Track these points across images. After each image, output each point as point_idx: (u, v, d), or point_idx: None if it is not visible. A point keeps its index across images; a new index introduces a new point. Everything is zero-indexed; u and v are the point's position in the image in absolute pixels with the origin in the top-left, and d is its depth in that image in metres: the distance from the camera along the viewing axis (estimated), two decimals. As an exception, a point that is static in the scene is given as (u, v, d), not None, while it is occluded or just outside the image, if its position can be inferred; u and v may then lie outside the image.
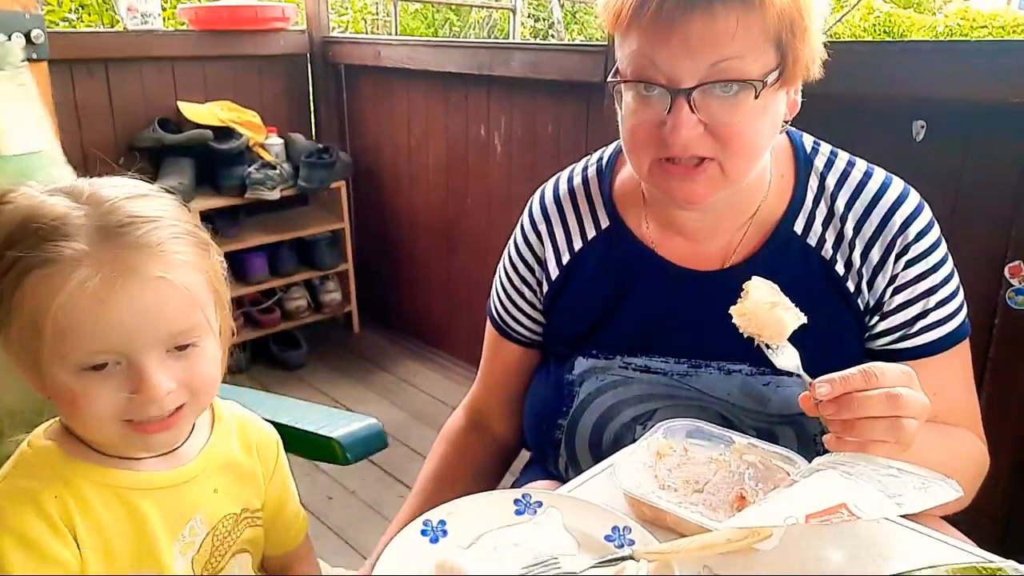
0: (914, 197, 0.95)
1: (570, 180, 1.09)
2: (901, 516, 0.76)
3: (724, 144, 0.84)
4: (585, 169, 1.09)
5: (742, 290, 0.80)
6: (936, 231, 0.95)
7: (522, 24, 6.63)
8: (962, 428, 0.97)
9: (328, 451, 1.11)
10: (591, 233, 1.05)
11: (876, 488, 0.70)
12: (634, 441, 1.00)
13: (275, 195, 2.95)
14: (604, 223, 1.04)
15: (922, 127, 1.65)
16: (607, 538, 0.75)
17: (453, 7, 7.36)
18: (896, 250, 0.93)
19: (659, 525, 0.77)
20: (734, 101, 0.82)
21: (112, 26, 4.67)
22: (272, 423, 0.95)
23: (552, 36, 7.25)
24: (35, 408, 0.87)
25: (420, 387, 3.02)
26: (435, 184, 3.07)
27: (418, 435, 2.62)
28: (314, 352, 3.22)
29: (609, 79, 0.89)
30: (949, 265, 0.95)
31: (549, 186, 1.11)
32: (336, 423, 1.14)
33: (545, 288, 1.08)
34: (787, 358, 0.78)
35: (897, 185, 0.96)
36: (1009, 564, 0.67)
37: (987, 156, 1.59)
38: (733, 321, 0.79)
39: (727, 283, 0.95)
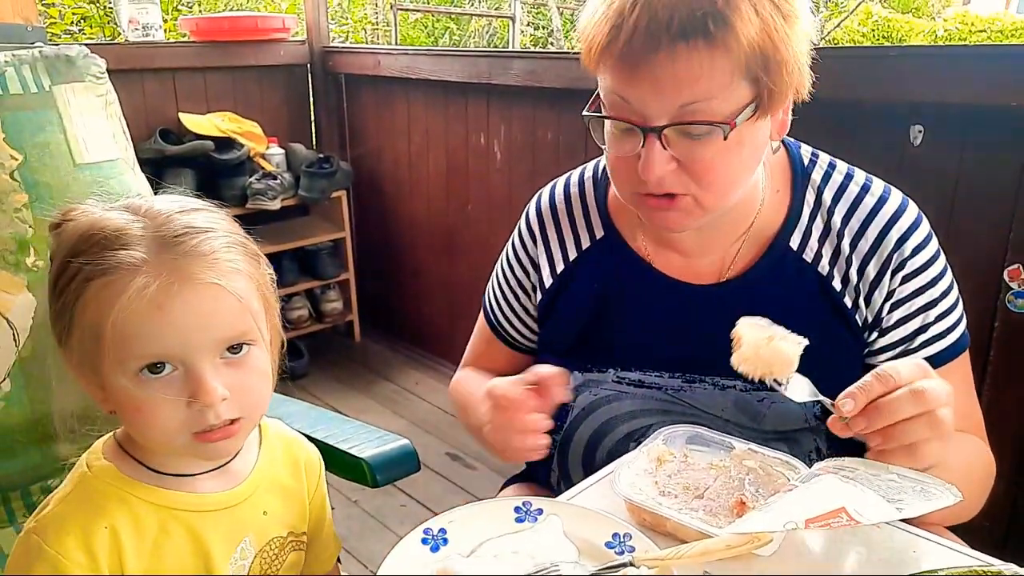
0: (911, 210, 0.94)
1: (567, 187, 1.08)
2: (901, 520, 0.76)
3: (697, 180, 0.84)
4: (581, 176, 1.08)
5: (732, 339, 0.80)
6: (933, 244, 0.94)
7: (521, 32, 6.66)
8: (970, 435, 0.97)
9: (357, 471, 1.08)
10: (586, 243, 1.04)
11: (875, 493, 0.70)
12: None
13: (276, 205, 2.96)
14: (599, 233, 1.03)
15: (920, 132, 1.65)
16: (608, 545, 0.75)
17: (453, 16, 7.39)
18: (893, 265, 0.92)
19: (659, 531, 0.77)
20: (705, 140, 0.81)
21: (114, 38, 4.70)
22: (306, 437, 0.95)
23: (551, 44, 7.27)
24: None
25: (422, 396, 3.02)
26: (435, 192, 3.08)
27: (421, 445, 2.60)
28: (316, 361, 3.22)
29: (585, 112, 0.89)
30: (948, 278, 0.95)
31: (546, 191, 1.11)
32: (367, 442, 1.10)
33: (539, 295, 1.07)
34: (800, 390, 0.78)
35: (895, 198, 0.95)
36: (1009, 567, 0.67)
37: (985, 160, 1.59)
38: (739, 370, 0.79)
39: (723, 297, 0.96)
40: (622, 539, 0.75)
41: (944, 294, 0.94)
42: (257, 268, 0.74)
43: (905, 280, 0.92)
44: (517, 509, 0.80)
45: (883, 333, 0.94)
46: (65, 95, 1.13)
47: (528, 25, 7.54)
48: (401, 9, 5.49)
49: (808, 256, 0.95)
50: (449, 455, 2.60)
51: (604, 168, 1.06)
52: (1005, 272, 1.58)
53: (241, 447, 0.77)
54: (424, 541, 0.76)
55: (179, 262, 0.67)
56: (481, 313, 1.18)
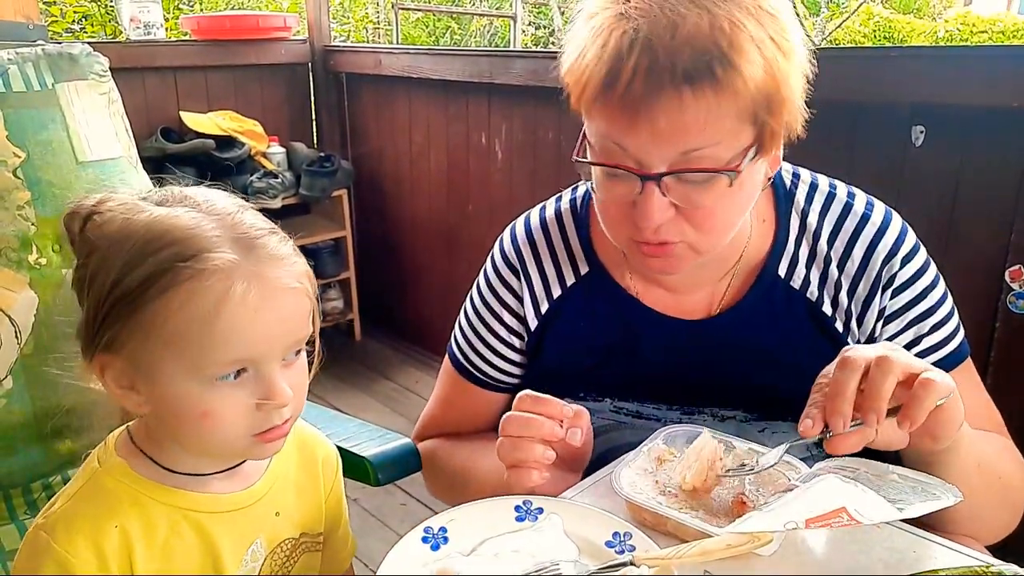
0: (896, 223, 0.92)
1: (542, 220, 1.03)
2: (902, 520, 0.76)
3: (696, 226, 0.81)
4: (557, 209, 1.03)
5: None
6: (922, 256, 0.92)
7: (523, 32, 6.66)
8: (996, 434, 0.95)
9: (359, 470, 1.06)
10: (570, 279, 1.00)
11: (876, 493, 0.70)
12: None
13: (277, 204, 2.96)
14: (583, 269, 0.99)
15: (921, 132, 1.65)
16: (608, 544, 0.75)
17: (454, 15, 7.39)
18: (883, 282, 0.91)
19: (660, 531, 0.77)
20: (707, 186, 0.78)
21: (115, 36, 4.70)
22: None
23: (553, 44, 7.27)
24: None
25: (423, 395, 3.02)
26: (436, 192, 3.08)
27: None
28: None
29: (576, 157, 0.84)
30: (940, 289, 0.93)
31: (519, 224, 1.05)
32: (369, 441, 1.09)
33: (525, 335, 1.03)
34: (776, 459, 0.78)
35: (878, 214, 0.93)
36: (1009, 567, 0.68)
37: (987, 161, 1.59)
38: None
39: (715, 331, 0.94)
40: (622, 538, 0.75)
41: (938, 304, 0.92)
42: (306, 266, 0.72)
43: (896, 294, 0.91)
44: (517, 508, 0.80)
45: None
46: (68, 93, 1.13)
47: (529, 24, 7.54)
48: (402, 8, 5.49)
49: (796, 283, 0.93)
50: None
51: (584, 202, 1.02)
52: (1006, 273, 1.58)
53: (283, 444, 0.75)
54: (424, 540, 0.76)
55: (265, 266, 0.66)
56: (447, 361, 1.11)
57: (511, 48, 5.71)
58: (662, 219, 0.79)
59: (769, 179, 0.90)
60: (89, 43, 1.25)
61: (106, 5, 5.01)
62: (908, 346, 0.91)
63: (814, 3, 7.82)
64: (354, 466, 1.08)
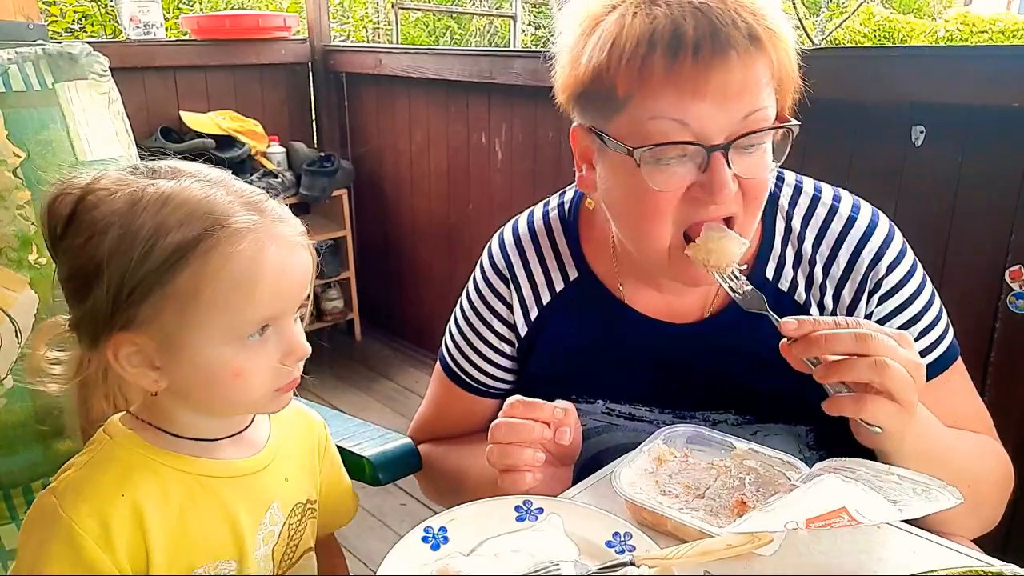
0: (882, 227, 0.92)
1: (530, 226, 1.03)
2: (902, 520, 0.76)
3: (749, 200, 0.80)
4: (545, 216, 1.02)
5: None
6: (909, 259, 0.92)
7: (523, 32, 6.66)
8: (986, 436, 0.95)
9: (359, 470, 1.07)
10: (559, 285, 0.99)
11: (877, 493, 0.70)
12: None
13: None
14: (572, 274, 0.99)
15: (921, 132, 1.65)
16: (608, 544, 0.75)
17: (454, 15, 7.39)
18: (868, 287, 0.90)
19: (660, 531, 0.77)
20: (760, 153, 0.79)
21: (115, 36, 4.70)
22: None
23: (553, 44, 7.27)
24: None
25: (422, 395, 2.99)
26: (436, 191, 3.08)
27: (420, 442, 2.62)
28: (316, 360, 3.21)
29: (641, 152, 0.77)
30: (927, 291, 0.92)
31: (507, 230, 1.05)
32: (369, 440, 1.09)
33: (515, 343, 1.03)
34: (751, 301, 0.79)
35: (864, 217, 0.92)
36: (1009, 567, 0.68)
37: (987, 161, 1.59)
38: (686, 253, 0.80)
39: (704, 335, 0.94)
40: (622, 538, 0.75)
41: (926, 308, 0.92)
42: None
43: (883, 300, 0.91)
44: (518, 508, 0.80)
45: None
46: (68, 93, 1.13)
47: (529, 24, 7.54)
48: (402, 8, 5.49)
49: (784, 285, 0.92)
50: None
51: (572, 207, 1.01)
52: (1006, 273, 1.58)
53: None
54: (424, 539, 0.76)
55: (279, 226, 0.68)
56: (438, 367, 1.11)
57: (511, 48, 5.71)
58: (733, 191, 0.77)
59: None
60: (89, 43, 1.25)
61: (106, 5, 5.01)
62: None
63: (814, 3, 7.83)
64: (354, 466, 1.07)
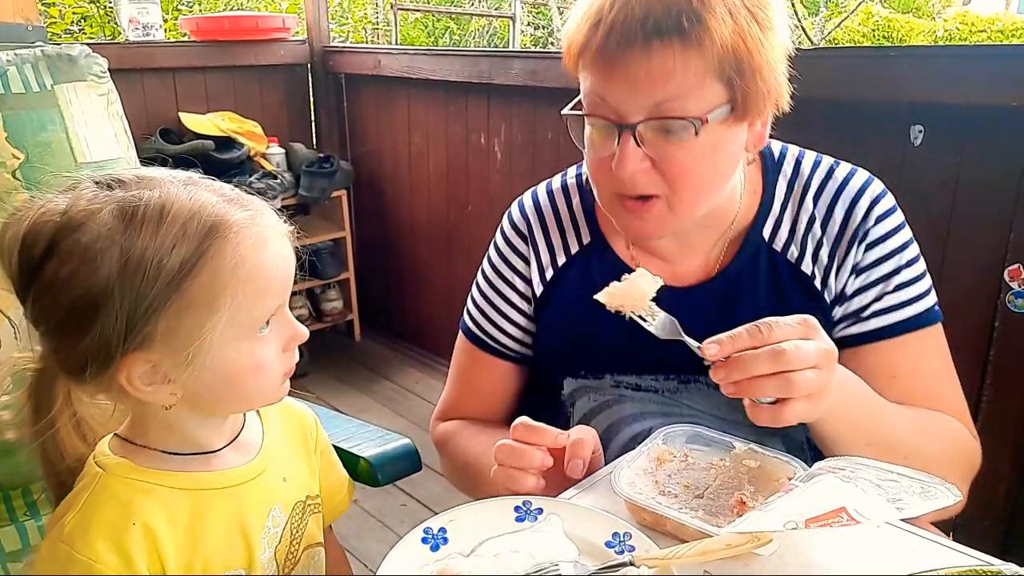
0: (876, 186, 0.96)
1: (549, 191, 1.08)
2: (901, 520, 0.76)
3: (670, 182, 0.85)
4: (564, 181, 1.07)
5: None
6: (898, 218, 0.95)
7: (522, 32, 6.65)
8: (947, 416, 0.95)
9: (358, 470, 1.07)
10: (574, 247, 1.04)
11: (876, 493, 0.70)
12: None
13: (276, 204, 2.91)
14: (586, 238, 1.03)
15: (920, 132, 1.65)
16: (608, 544, 0.75)
17: (453, 16, 7.39)
18: (859, 237, 0.94)
19: (659, 531, 0.77)
20: (679, 140, 0.83)
21: (114, 38, 4.70)
22: None
23: (552, 44, 7.27)
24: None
25: (422, 395, 3.02)
26: (436, 192, 3.08)
27: (421, 444, 2.61)
28: (316, 361, 3.22)
29: (565, 111, 0.90)
30: (911, 251, 0.95)
31: (527, 196, 1.10)
32: (369, 441, 1.10)
33: (532, 300, 1.06)
34: (664, 328, 0.81)
35: (860, 176, 0.97)
36: (1009, 567, 0.68)
37: (986, 160, 1.59)
38: (602, 301, 0.82)
39: (705, 297, 0.97)
40: (622, 538, 0.75)
41: (906, 265, 0.94)
42: None
43: (868, 248, 0.94)
44: (517, 508, 0.80)
45: (842, 303, 0.95)
46: (67, 94, 1.13)
47: (528, 25, 7.54)
48: (401, 9, 5.49)
49: (779, 245, 0.96)
50: (449, 455, 2.60)
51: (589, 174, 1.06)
52: (1005, 272, 1.58)
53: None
54: (424, 540, 0.76)
55: (268, 218, 0.70)
56: (460, 336, 1.14)
57: (510, 49, 5.71)
58: (636, 168, 0.84)
59: (753, 155, 0.93)
60: (88, 44, 1.26)
61: (105, 6, 5.01)
62: (870, 303, 0.94)
63: (814, 3, 7.83)
64: (353, 466, 1.08)
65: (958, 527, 1.64)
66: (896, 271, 0.94)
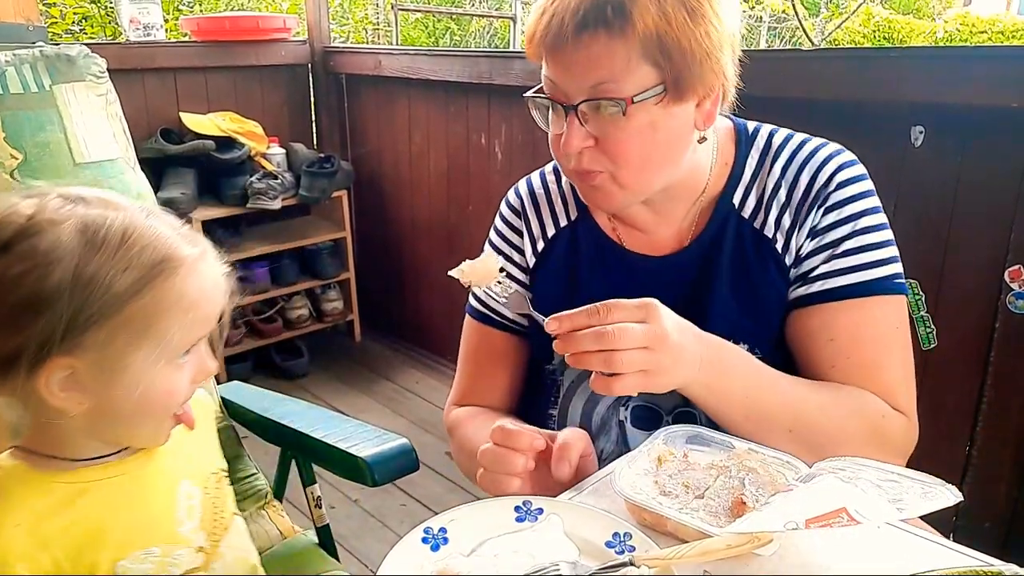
0: (845, 155, 0.99)
1: (542, 173, 1.16)
2: (901, 520, 0.76)
3: (611, 158, 0.91)
4: (555, 164, 1.11)
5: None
6: (863, 186, 0.97)
7: (522, 33, 6.65)
8: (861, 390, 0.94)
9: (355, 470, 1.08)
10: (562, 222, 1.10)
11: (876, 493, 0.70)
12: (620, 423, 1.03)
13: (277, 205, 2.96)
14: (573, 214, 1.10)
15: (921, 133, 1.65)
16: (608, 544, 0.75)
17: (453, 16, 7.39)
18: (819, 200, 0.96)
19: (660, 531, 0.77)
20: (615, 119, 0.89)
21: (115, 38, 4.70)
22: (304, 436, 1.05)
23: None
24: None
25: (422, 395, 3.02)
26: (436, 192, 3.08)
27: (421, 444, 2.60)
28: (316, 361, 3.23)
29: (528, 94, 0.96)
30: (871, 219, 0.96)
31: (523, 179, 1.17)
32: (366, 441, 1.11)
33: (526, 271, 1.12)
34: (517, 304, 0.88)
35: (830, 147, 1.00)
36: (1009, 567, 0.67)
37: (986, 161, 1.59)
38: (453, 275, 0.88)
39: (679, 265, 1.02)
40: (622, 539, 0.75)
41: (863, 232, 0.95)
42: None
43: (826, 212, 0.96)
44: (517, 508, 0.80)
45: (797, 265, 0.97)
46: (65, 94, 1.13)
47: (529, 25, 7.53)
48: (402, 9, 5.49)
49: (746, 212, 1.00)
50: (449, 455, 2.60)
51: None
52: (1006, 273, 1.58)
53: None
54: (424, 540, 0.76)
55: (211, 256, 0.75)
56: (467, 318, 1.18)
57: (510, 49, 5.71)
58: (578, 146, 0.91)
59: (703, 133, 0.96)
60: (89, 44, 1.26)
61: (106, 6, 5.01)
62: (820, 263, 0.96)
63: (814, 3, 7.84)
64: (350, 466, 1.08)
65: (958, 528, 1.64)
66: (849, 236, 0.95)
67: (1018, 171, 1.55)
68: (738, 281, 0.98)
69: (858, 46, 6.43)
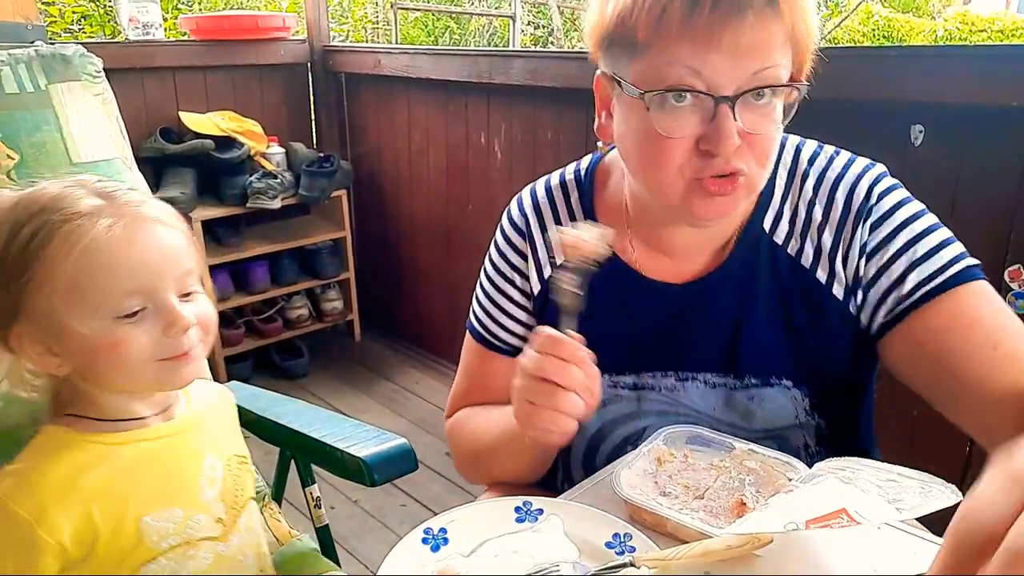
0: (877, 168, 0.94)
1: (548, 188, 1.06)
2: (901, 521, 0.76)
3: (756, 155, 0.82)
4: (562, 179, 1.06)
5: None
6: (901, 193, 0.92)
7: (522, 32, 6.65)
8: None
9: (354, 471, 1.08)
10: None
11: (876, 493, 0.70)
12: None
13: (276, 204, 2.96)
14: None
15: (920, 132, 1.65)
16: (608, 545, 0.75)
17: (453, 15, 7.39)
18: (863, 218, 0.91)
19: (660, 531, 0.77)
20: (767, 110, 0.81)
21: (114, 37, 4.69)
22: (304, 436, 1.07)
23: (552, 44, 7.27)
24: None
25: (422, 395, 3.02)
26: (436, 192, 3.08)
27: (421, 444, 2.62)
28: (316, 361, 3.22)
29: (649, 92, 0.80)
30: (927, 220, 0.91)
31: (526, 193, 1.09)
32: (365, 441, 1.10)
33: (531, 297, 1.06)
34: (571, 303, 0.83)
35: (860, 161, 0.95)
36: (1010, 569, 0.67)
37: (986, 160, 1.59)
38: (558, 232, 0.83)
39: (702, 293, 0.95)
40: (622, 539, 0.75)
41: (926, 232, 0.90)
42: (187, 227, 0.82)
43: (874, 228, 0.90)
44: (518, 509, 0.80)
45: (868, 288, 0.91)
46: (61, 94, 1.13)
47: (528, 24, 7.53)
48: (401, 8, 5.49)
49: (779, 238, 0.94)
50: (449, 455, 2.60)
51: (588, 173, 1.04)
52: (1006, 273, 1.58)
53: (203, 372, 0.85)
54: (424, 541, 0.76)
55: (131, 207, 0.75)
56: (467, 335, 1.13)
57: (510, 48, 5.71)
58: (736, 144, 0.80)
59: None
60: (87, 43, 1.25)
61: (105, 5, 5.01)
62: (901, 277, 0.89)
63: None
64: (349, 466, 1.08)
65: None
66: (916, 239, 0.89)
67: (1018, 170, 1.54)
68: (775, 316, 0.91)
69: (858, 45, 6.42)
